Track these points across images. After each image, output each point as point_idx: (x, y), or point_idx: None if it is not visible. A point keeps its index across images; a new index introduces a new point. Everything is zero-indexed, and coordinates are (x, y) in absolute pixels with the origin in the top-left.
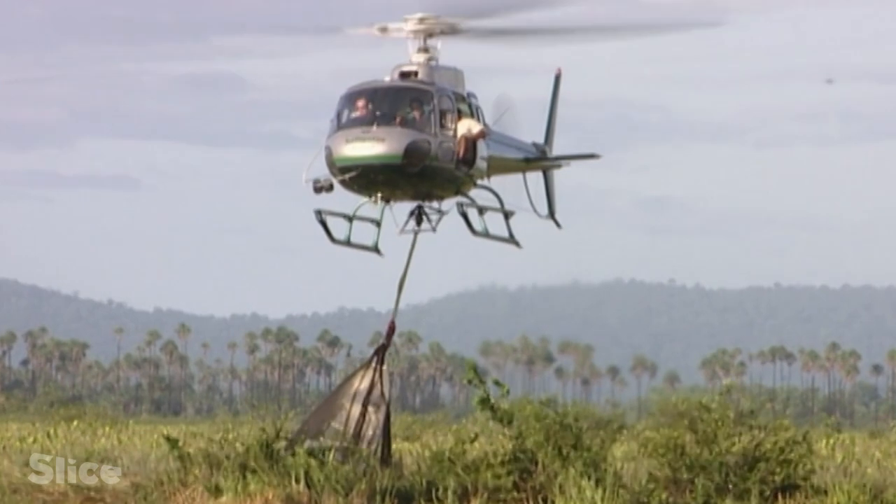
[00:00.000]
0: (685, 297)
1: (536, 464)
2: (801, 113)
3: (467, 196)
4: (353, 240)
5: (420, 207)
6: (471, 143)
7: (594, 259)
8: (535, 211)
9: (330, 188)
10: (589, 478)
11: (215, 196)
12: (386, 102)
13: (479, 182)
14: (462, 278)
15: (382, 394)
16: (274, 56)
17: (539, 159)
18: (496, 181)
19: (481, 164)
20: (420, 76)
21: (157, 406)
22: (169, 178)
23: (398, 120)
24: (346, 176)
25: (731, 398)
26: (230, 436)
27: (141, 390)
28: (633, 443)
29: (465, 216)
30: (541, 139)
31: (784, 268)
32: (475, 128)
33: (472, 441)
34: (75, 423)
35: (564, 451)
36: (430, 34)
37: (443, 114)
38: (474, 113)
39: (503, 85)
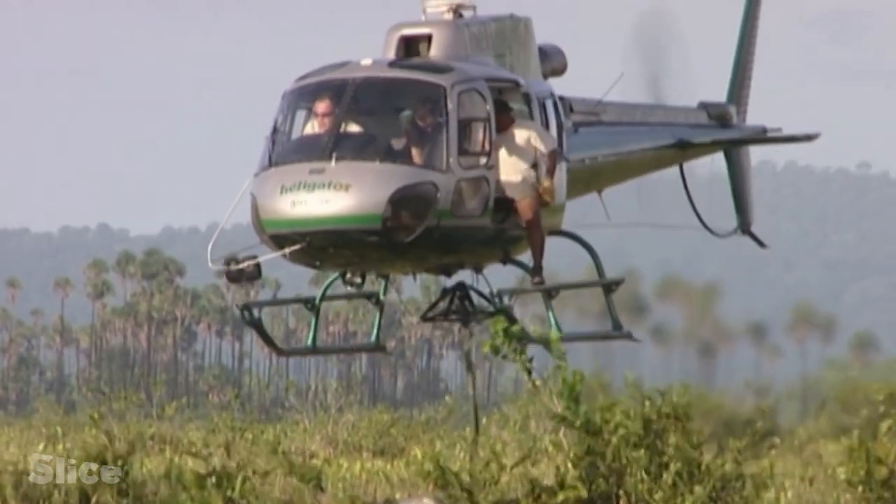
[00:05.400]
0: (887, 196)
1: (619, 496)
2: None
3: (514, 261)
4: (321, 344)
5: (462, 287)
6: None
7: None
8: (705, 226)
9: (256, 273)
10: None
11: (34, 11)
12: (356, 112)
13: (556, 229)
14: None
15: None
16: None
17: (705, 145)
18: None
19: (558, 197)
20: (432, 50)
21: None
22: None
23: (377, 147)
24: (287, 250)
25: None
26: (60, 448)
27: None
28: (793, 458)
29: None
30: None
31: None
32: (541, 142)
33: (518, 463)
34: None
35: (669, 474)
36: None
37: (466, 126)
38: (536, 109)
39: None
